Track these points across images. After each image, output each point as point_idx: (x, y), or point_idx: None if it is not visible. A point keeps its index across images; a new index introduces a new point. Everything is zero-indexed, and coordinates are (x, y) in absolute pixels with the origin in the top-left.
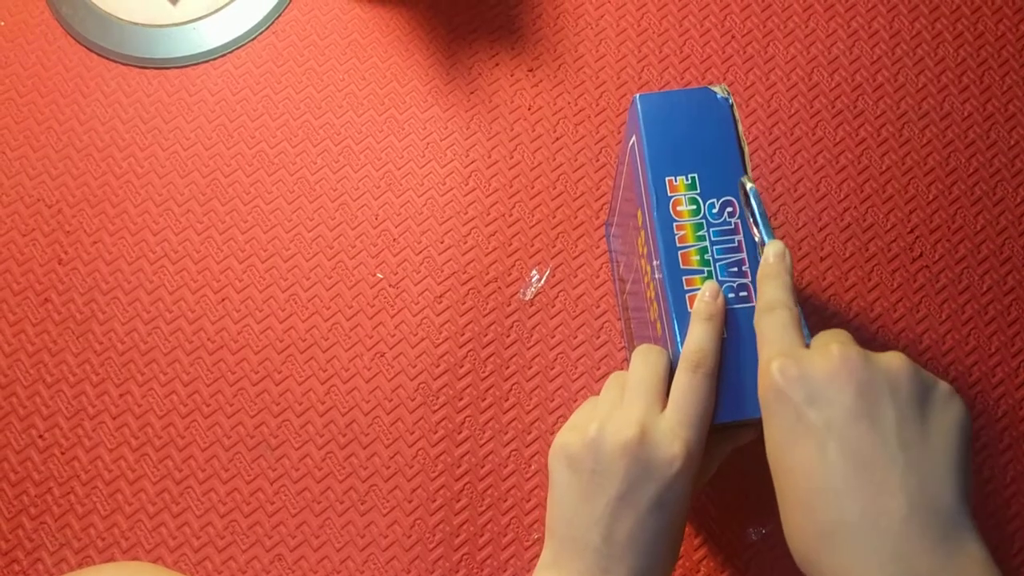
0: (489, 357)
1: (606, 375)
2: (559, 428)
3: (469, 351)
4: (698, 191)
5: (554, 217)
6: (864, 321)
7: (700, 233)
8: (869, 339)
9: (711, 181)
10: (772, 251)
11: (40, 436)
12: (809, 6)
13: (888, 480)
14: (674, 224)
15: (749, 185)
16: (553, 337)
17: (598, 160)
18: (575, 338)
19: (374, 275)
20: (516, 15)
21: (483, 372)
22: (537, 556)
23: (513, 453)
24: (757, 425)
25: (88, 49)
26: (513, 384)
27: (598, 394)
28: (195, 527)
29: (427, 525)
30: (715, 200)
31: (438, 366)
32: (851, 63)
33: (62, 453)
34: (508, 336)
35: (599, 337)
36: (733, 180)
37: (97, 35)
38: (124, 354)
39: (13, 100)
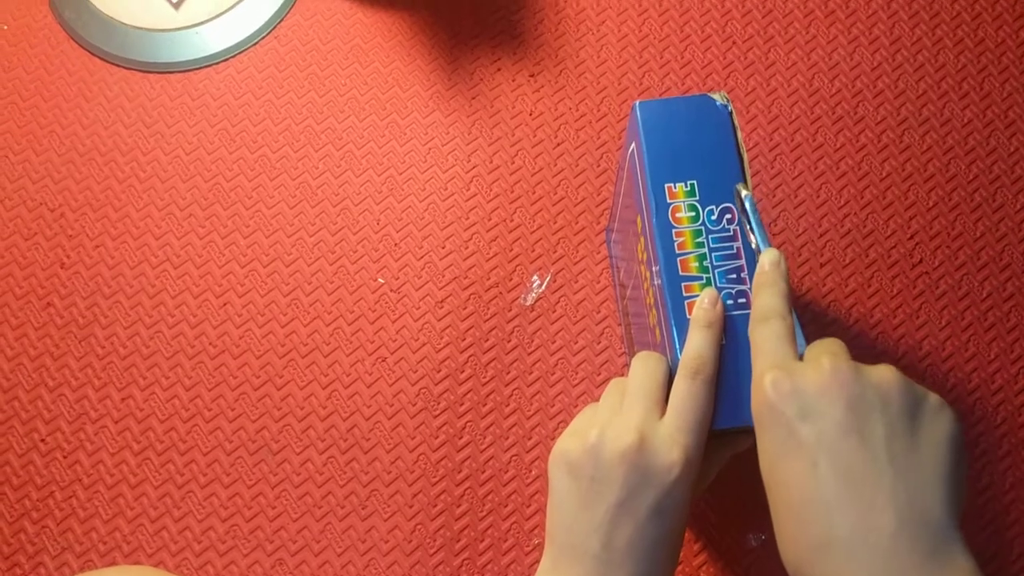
0: (490, 363)
1: (607, 381)
2: (559, 434)
3: (470, 356)
4: (697, 198)
5: (555, 222)
6: (863, 327)
7: (699, 240)
8: (868, 345)
9: (710, 188)
10: (768, 259)
11: (42, 440)
12: (810, 12)
13: (877, 496)
14: (673, 231)
15: (744, 192)
16: (554, 343)
17: (599, 165)
18: (576, 344)
19: (376, 280)
20: (518, 20)
21: (484, 377)
22: (537, 561)
23: (514, 458)
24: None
25: (91, 53)
26: (514, 390)
27: (599, 400)
28: (197, 531)
29: (428, 530)
30: (714, 207)
31: (439, 371)
32: (852, 69)
33: (64, 457)
34: (509, 341)
35: (600, 343)
36: (732, 187)
37: (100, 39)
38: (126, 358)
39: (16, 104)
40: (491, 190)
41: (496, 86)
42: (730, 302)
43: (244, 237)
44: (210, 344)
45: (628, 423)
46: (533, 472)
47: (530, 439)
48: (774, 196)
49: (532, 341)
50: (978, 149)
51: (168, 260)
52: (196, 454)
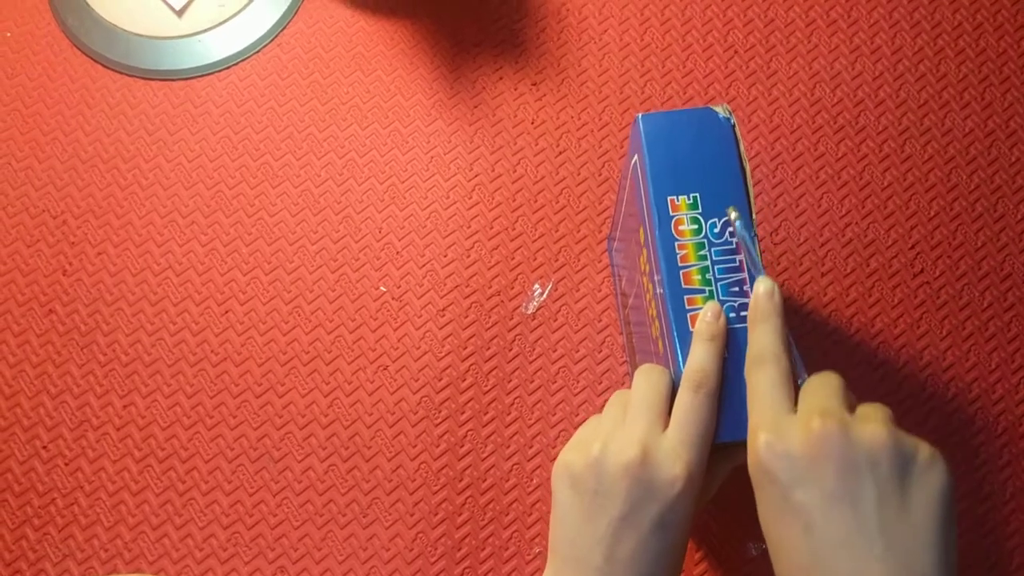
0: (491, 371)
1: (608, 389)
2: (561, 442)
3: (471, 365)
4: (700, 210)
5: (557, 231)
6: (865, 337)
7: (701, 252)
8: (870, 355)
9: (713, 200)
10: (762, 290)
11: (44, 447)
12: (812, 21)
13: (871, 564)
14: (676, 243)
15: (734, 215)
16: (555, 351)
17: (601, 174)
18: (577, 352)
19: (377, 288)
20: (520, 29)
21: (485, 386)
22: (539, 570)
23: (515, 467)
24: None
25: (93, 60)
26: (515, 398)
27: (600, 408)
28: (198, 539)
29: (429, 538)
30: (716, 220)
31: (440, 379)
32: (853, 79)
33: (66, 464)
34: (510, 350)
35: (601, 351)
36: (734, 199)
37: (102, 46)
38: (128, 365)
39: (19, 111)
40: (493, 198)
41: (498, 95)
42: (732, 315)
43: (246, 245)
44: (212, 352)
45: (631, 436)
46: (534, 481)
47: (531, 447)
48: (776, 205)
49: (534, 349)
50: (980, 159)
51: (170, 267)
52: (198, 461)
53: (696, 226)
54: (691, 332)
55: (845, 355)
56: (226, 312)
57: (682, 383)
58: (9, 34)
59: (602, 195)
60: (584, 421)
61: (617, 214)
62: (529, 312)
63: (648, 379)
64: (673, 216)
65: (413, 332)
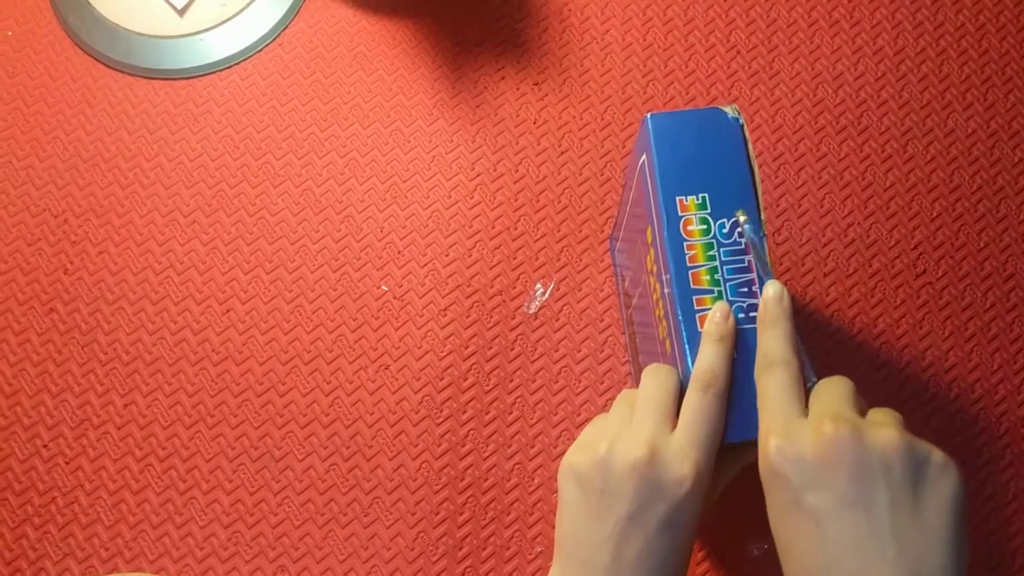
0: (493, 370)
1: (610, 389)
2: (562, 442)
3: (473, 364)
4: (708, 211)
5: (559, 231)
6: (867, 337)
7: (710, 253)
8: (872, 356)
9: (721, 201)
10: (771, 294)
11: (44, 446)
12: (814, 22)
13: (882, 568)
14: (684, 244)
15: (743, 219)
16: (557, 351)
17: (603, 174)
18: (579, 352)
19: (379, 288)
20: (522, 29)
21: (487, 385)
22: (540, 569)
23: (516, 466)
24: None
25: (95, 59)
26: (517, 397)
27: (602, 408)
28: (199, 538)
29: (430, 538)
30: (725, 220)
31: (442, 379)
32: (856, 79)
33: (66, 463)
34: (512, 349)
35: (603, 351)
36: (743, 200)
37: (104, 45)
38: (129, 364)
39: (20, 110)
40: (495, 198)
41: (500, 94)
42: (741, 315)
43: (247, 244)
44: (213, 351)
45: (638, 436)
46: (536, 480)
47: (533, 447)
48: (778, 206)
49: (535, 349)
50: (982, 160)
51: (171, 266)
52: (199, 460)
53: (705, 226)
54: (700, 333)
55: (847, 355)
56: (227, 311)
57: (691, 384)
58: (10, 33)
59: (604, 195)
60: (586, 421)
61: (620, 214)
62: (531, 312)
63: (656, 379)
64: (682, 216)
65: (415, 331)
